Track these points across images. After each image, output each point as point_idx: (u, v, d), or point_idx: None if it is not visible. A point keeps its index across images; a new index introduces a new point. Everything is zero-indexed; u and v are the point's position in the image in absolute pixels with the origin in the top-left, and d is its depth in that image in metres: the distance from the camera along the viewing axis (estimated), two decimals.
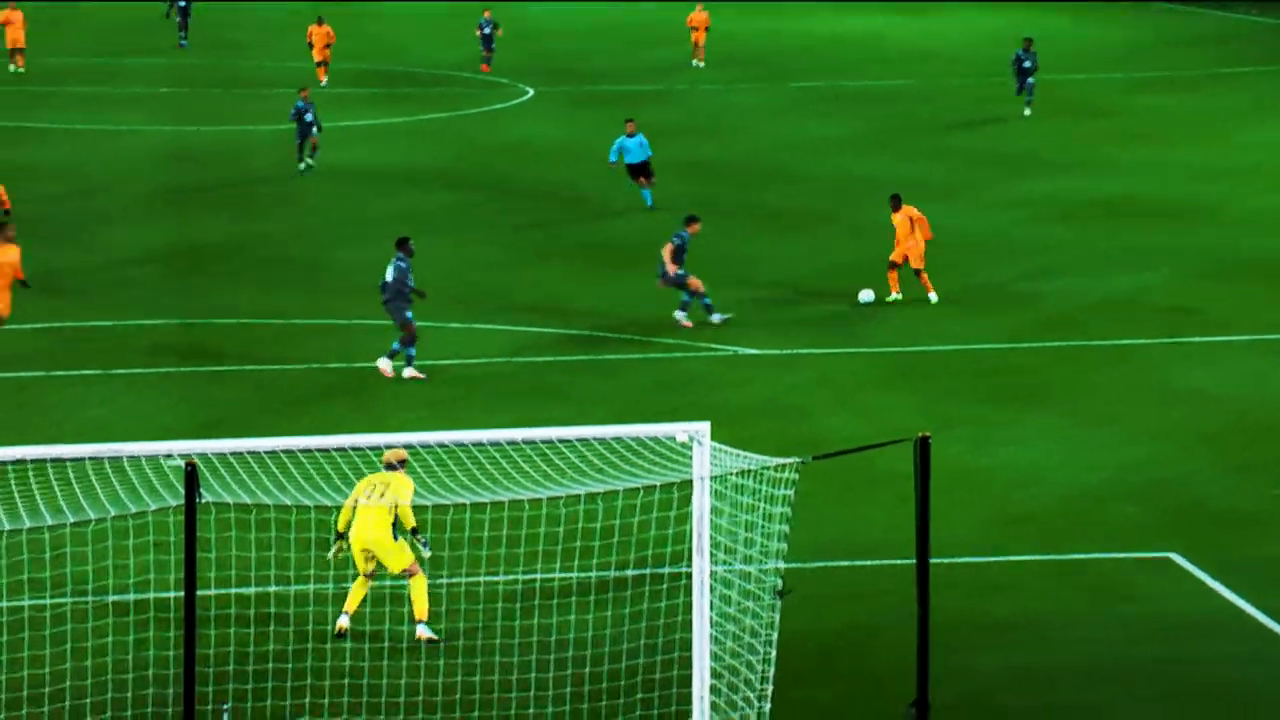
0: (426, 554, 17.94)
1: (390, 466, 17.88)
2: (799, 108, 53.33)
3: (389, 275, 26.28)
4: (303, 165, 41.99)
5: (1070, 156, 45.80)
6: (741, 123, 50.63)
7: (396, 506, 17.47)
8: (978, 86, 56.62)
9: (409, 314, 26.15)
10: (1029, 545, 20.53)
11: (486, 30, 59.12)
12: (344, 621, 17.65)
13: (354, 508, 17.57)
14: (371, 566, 17.70)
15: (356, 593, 17.75)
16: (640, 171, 38.76)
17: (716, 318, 28.99)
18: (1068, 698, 16.78)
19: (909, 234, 30.76)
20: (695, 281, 29.07)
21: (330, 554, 17.95)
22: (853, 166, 44.23)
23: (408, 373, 26.16)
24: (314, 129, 42.14)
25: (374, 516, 17.52)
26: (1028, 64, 50.78)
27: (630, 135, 38.78)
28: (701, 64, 60.06)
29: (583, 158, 45.38)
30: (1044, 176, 43.22)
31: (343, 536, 17.77)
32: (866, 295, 30.54)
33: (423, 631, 17.49)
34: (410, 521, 17.71)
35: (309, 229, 37.49)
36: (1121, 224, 38.00)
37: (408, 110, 52.03)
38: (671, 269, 28.99)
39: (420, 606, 17.55)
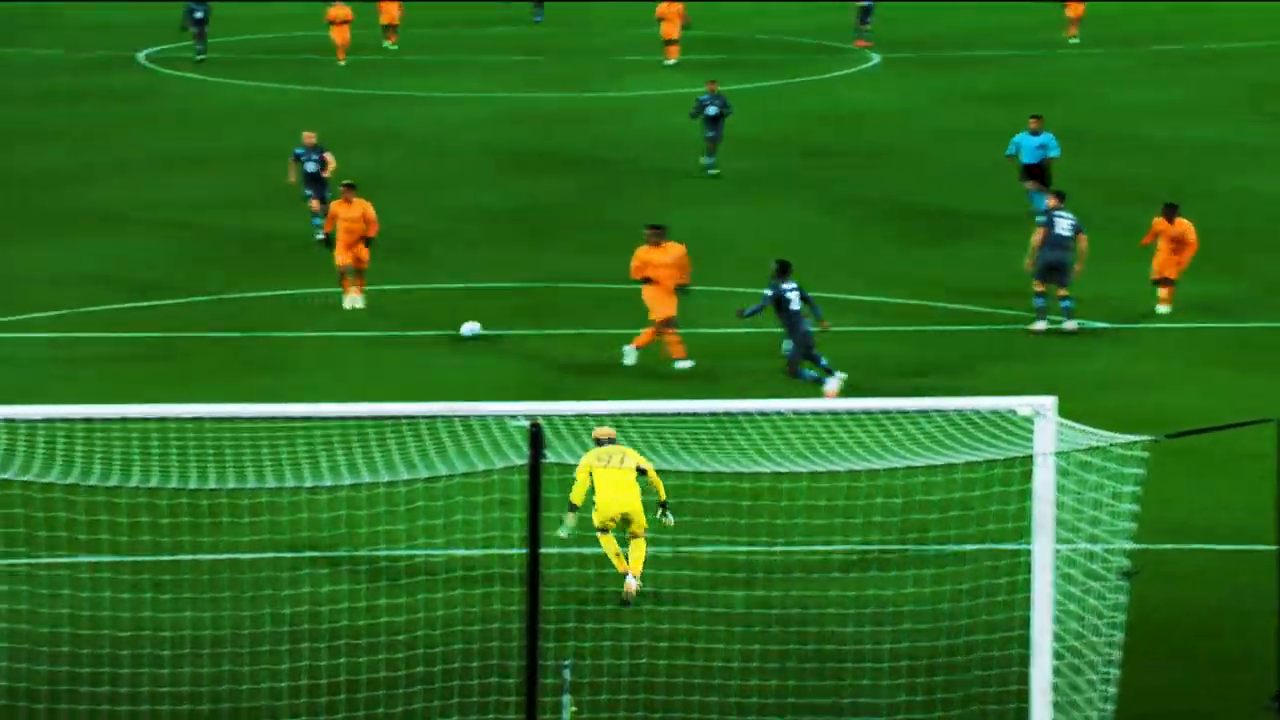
0: (670, 522, 18.03)
1: (611, 441, 17.94)
2: (1153, 72, 51.77)
3: (796, 304, 24.81)
4: (710, 168, 38.95)
5: None
6: (1092, 89, 49.39)
7: (647, 473, 17.65)
8: None
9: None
10: None
11: (865, 1, 57.84)
12: (632, 584, 17.73)
13: (589, 481, 17.70)
14: (616, 524, 17.85)
15: (617, 552, 17.84)
16: (1033, 175, 34.40)
17: (1065, 320, 27.48)
18: None
19: (1183, 246, 28.30)
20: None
21: (564, 530, 17.99)
22: (1200, 134, 42.80)
23: (830, 382, 24.98)
24: (718, 126, 38.88)
25: (625, 482, 17.71)
26: None
27: (1034, 133, 34.59)
28: (1076, 39, 57.20)
29: (920, 125, 44.89)
30: None
31: (575, 509, 17.89)
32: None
33: (631, 584, 17.62)
34: (662, 492, 17.89)
35: (647, 195, 37.89)
36: None
37: (749, 77, 52.08)
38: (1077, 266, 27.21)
39: (639, 563, 17.71)
